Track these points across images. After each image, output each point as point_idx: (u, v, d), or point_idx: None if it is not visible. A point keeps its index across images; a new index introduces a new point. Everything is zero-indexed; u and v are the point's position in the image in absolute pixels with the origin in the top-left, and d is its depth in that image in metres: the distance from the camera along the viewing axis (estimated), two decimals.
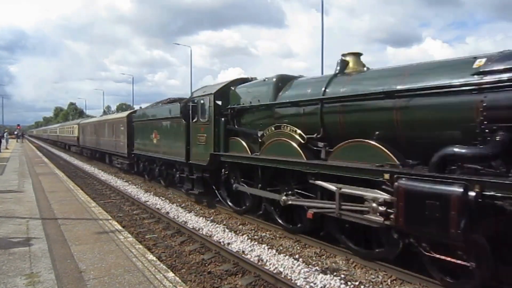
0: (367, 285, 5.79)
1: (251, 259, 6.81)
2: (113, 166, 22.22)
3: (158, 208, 11.38)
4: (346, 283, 5.79)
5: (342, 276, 6.09)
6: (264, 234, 8.58)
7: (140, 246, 6.53)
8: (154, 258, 5.95)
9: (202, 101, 10.76)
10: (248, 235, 8.44)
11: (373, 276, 6.07)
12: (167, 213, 10.81)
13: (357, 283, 5.82)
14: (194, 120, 11.15)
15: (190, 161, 11.43)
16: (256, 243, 7.86)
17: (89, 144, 28.96)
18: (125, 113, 20.00)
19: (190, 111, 11.30)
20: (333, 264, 6.67)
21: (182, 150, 11.81)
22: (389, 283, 5.83)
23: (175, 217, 10.27)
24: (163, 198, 13.08)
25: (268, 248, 7.47)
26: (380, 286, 5.76)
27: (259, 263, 6.64)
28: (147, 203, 12.21)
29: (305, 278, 5.99)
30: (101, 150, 24.87)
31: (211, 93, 10.38)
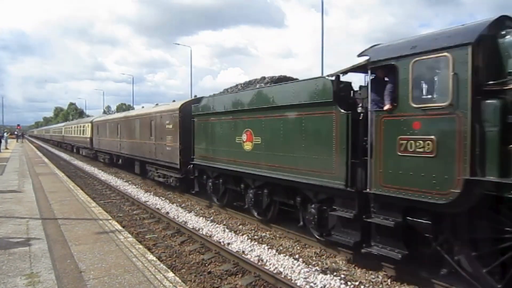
0: (367, 285, 5.79)
1: (251, 259, 6.81)
2: (148, 178, 16.54)
3: (158, 208, 11.38)
4: (346, 283, 5.79)
5: (342, 276, 6.09)
6: (264, 234, 8.57)
7: (140, 246, 6.53)
8: (154, 258, 5.95)
9: (420, 66, 5.30)
10: (248, 235, 8.44)
11: (373, 276, 6.07)
12: (167, 213, 10.80)
13: (357, 283, 5.82)
14: (385, 108, 5.76)
15: (372, 191, 5.89)
16: (256, 243, 7.85)
17: (107, 147, 23.04)
18: (176, 104, 13.67)
19: (369, 90, 6.08)
20: (333, 264, 6.67)
21: (333, 166, 6.54)
22: (389, 283, 5.83)
23: (175, 217, 10.27)
24: (163, 198, 13.07)
25: (268, 248, 7.47)
26: (380, 286, 5.77)
27: (259, 263, 6.64)
28: (147, 203, 12.20)
29: (305, 278, 5.99)
30: (128, 156, 18.87)
31: (464, 44, 4.75)
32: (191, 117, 11.78)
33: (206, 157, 10.87)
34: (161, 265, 5.65)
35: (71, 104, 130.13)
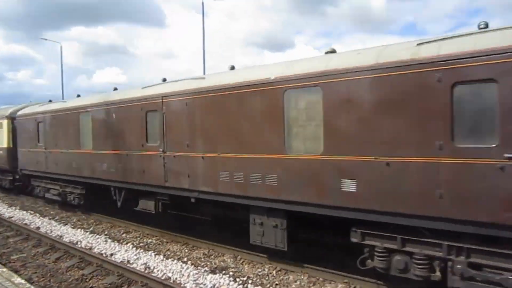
0: (254, 278, 6.04)
1: (138, 268, 6.54)
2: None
3: (26, 224, 10.11)
4: (235, 280, 5.95)
5: (231, 273, 6.25)
6: (150, 240, 8.30)
7: (4, 270, 5.73)
8: (23, 281, 5.30)
9: None
10: (133, 243, 8.07)
11: (260, 270, 6.37)
12: (38, 228, 9.68)
13: (245, 278, 6.03)
14: None
15: None
16: (142, 250, 7.56)
17: (85, 170, 9.96)
18: None
19: None
20: (222, 263, 6.80)
21: None
22: (274, 274, 6.18)
23: (48, 231, 9.26)
24: (32, 212, 11.65)
25: (155, 254, 7.26)
26: (267, 278, 6.08)
27: (146, 271, 6.41)
28: (12, 219, 10.74)
29: (195, 280, 5.99)
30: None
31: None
32: None
33: None
34: (32, 287, 5.05)
35: None
